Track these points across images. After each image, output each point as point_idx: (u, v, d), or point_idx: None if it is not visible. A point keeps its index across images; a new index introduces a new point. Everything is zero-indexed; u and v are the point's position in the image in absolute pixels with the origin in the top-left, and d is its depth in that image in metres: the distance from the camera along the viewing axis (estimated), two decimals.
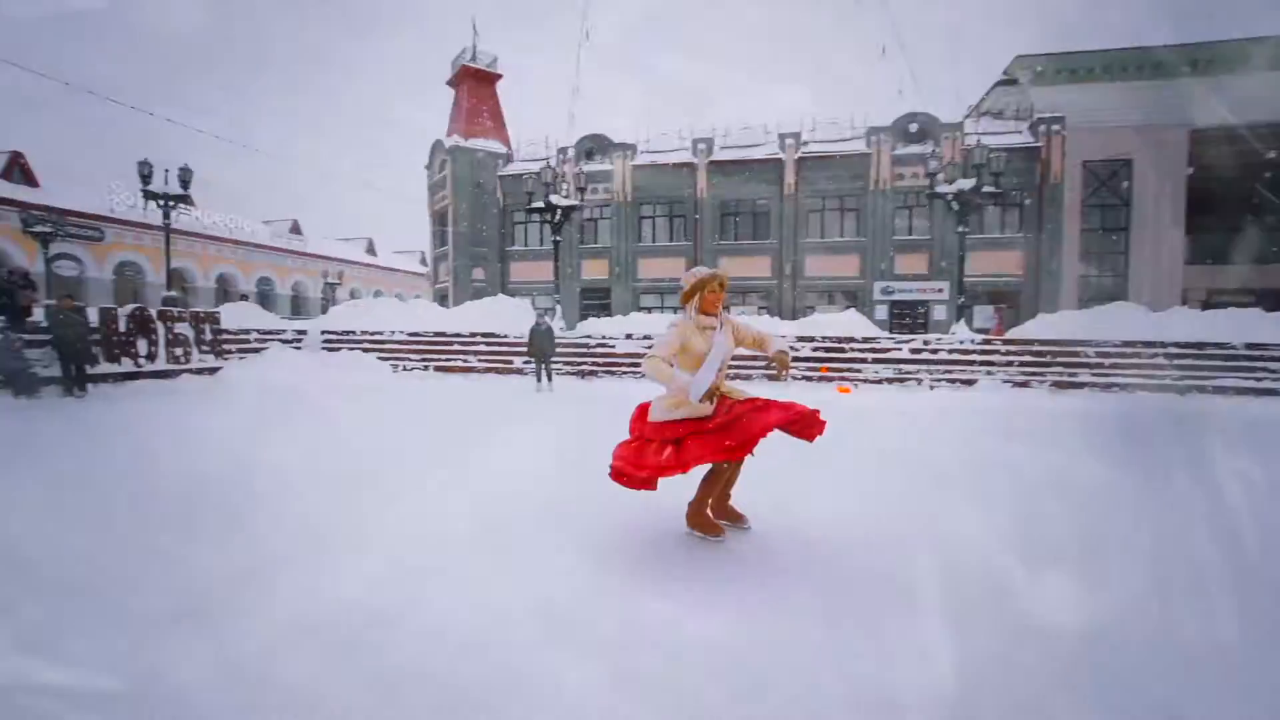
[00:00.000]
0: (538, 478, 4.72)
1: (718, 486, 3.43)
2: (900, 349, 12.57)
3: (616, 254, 25.32)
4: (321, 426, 7.69)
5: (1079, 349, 11.68)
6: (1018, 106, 23.17)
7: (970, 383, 11.91)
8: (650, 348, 3.15)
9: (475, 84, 27.33)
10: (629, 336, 13.85)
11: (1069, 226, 21.71)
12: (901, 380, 12.32)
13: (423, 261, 43.46)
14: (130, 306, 12.00)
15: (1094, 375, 11.50)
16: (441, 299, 27.21)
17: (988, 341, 12.65)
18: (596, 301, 25.68)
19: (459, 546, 3.28)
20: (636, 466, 3.12)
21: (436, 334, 14.79)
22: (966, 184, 13.92)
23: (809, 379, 12.61)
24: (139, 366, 11.70)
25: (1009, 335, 13.41)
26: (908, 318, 23.16)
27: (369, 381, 12.81)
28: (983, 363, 12.09)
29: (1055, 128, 21.55)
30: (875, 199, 23.01)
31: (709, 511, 3.47)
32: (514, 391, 11.99)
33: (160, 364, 12.02)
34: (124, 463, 5.54)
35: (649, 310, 24.21)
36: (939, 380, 12.14)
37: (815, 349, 12.94)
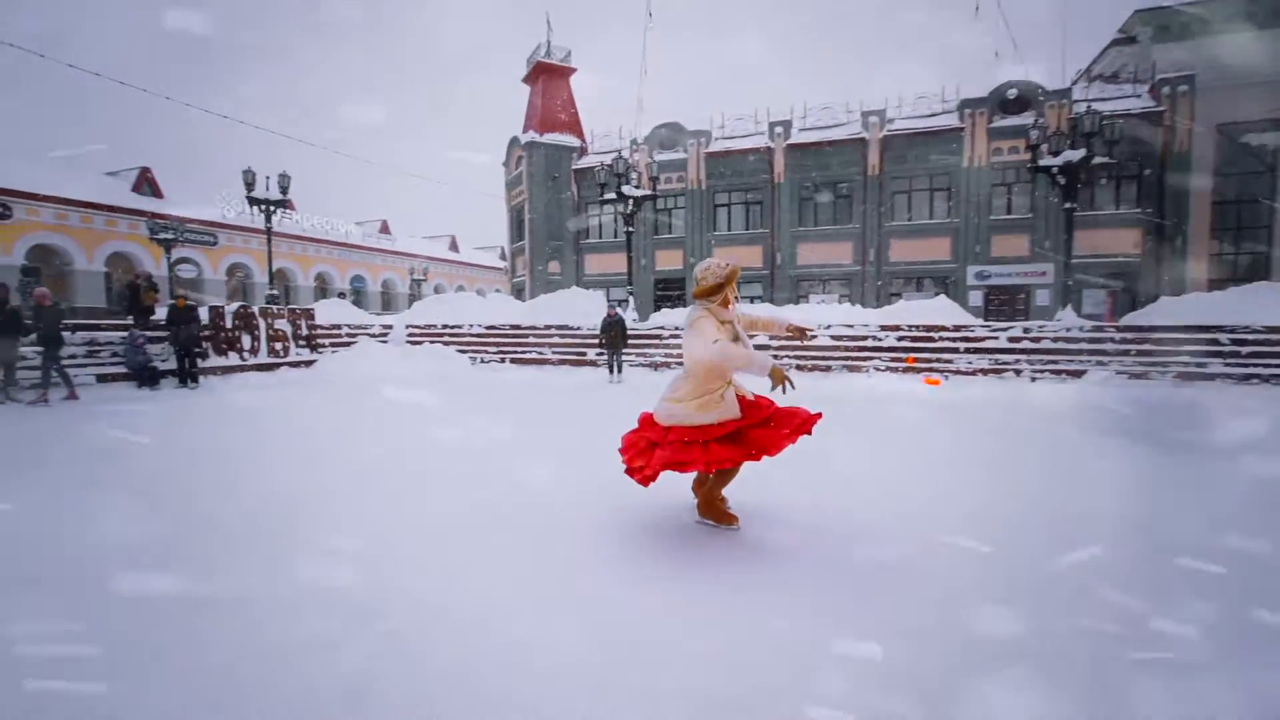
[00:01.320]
0: (589, 470, 4.57)
1: (724, 481, 3.41)
2: (997, 338, 11.61)
3: (690, 243, 24.97)
4: (401, 417, 7.92)
5: (1211, 335, 10.35)
6: (1136, 67, 20.88)
7: (1078, 374, 10.83)
8: (693, 339, 3.08)
9: (549, 79, 27.62)
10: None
11: (1197, 199, 19.37)
12: (998, 371, 11.37)
13: (502, 256, 44.72)
14: (235, 305, 12.93)
15: (1228, 365, 10.16)
16: (518, 292, 27.83)
17: (1098, 329, 11.46)
18: (670, 292, 25.47)
19: (495, 531, 3.30)
20: (681, 463, 3.12)
21: (512, 327, 15.06)
22: (1075, 155, 12.65)
23: (893, 370, 11.88)
24: (243, 360, 12.59)
25: (1124, 321, 12.10)
26: (1005, 304, 21.51)
27: (448, 373, 13.21)
28: (1092, 352, 10.96)
29: (1182, 88, 19.26)
30: (969, 177, 21.44)
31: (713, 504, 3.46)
32: (585, 383, 12.00)
33: (262, 357, 12.89)
34: (242, 442, 5.91)
35: None
36: (1041, 371, 11.12)
37: (901, 339, 12.17)
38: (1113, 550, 3.13)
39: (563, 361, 14.30)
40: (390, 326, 15.91)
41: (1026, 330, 11.54)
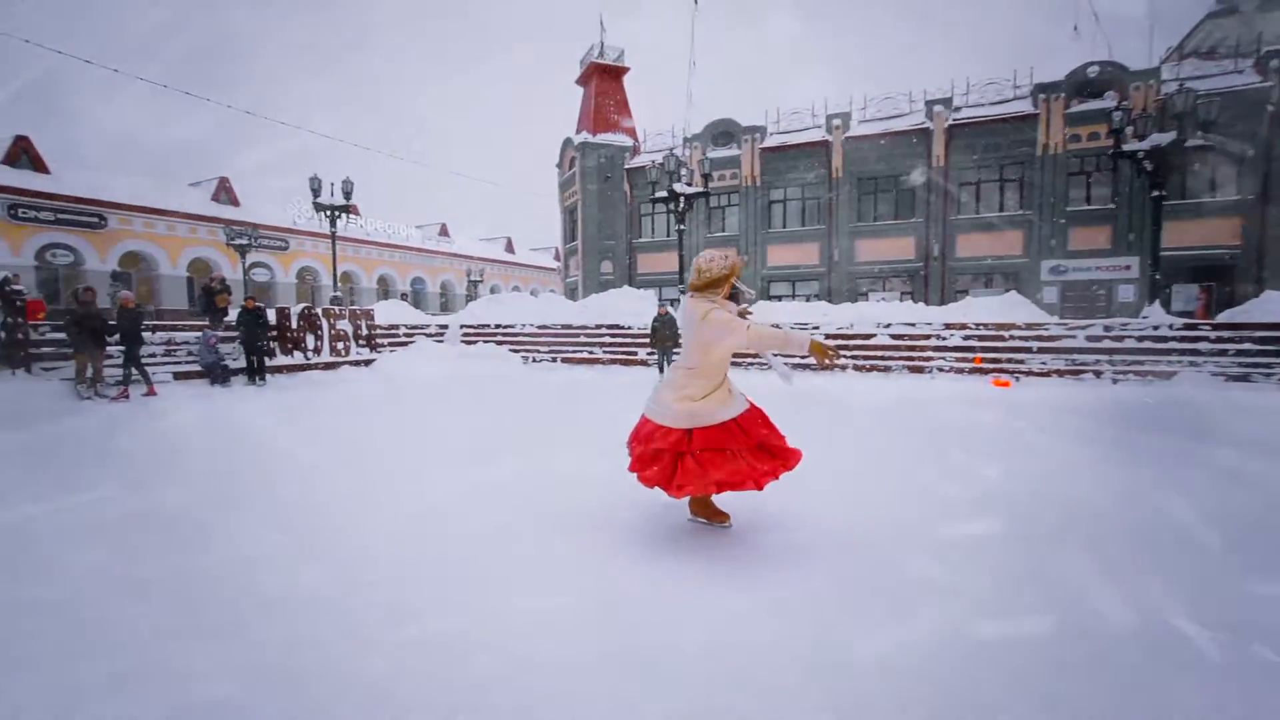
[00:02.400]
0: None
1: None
2: (1074, 336, 10.82)
3: (744, 241, 24.52)
4: (453, 415, 8.00)
5: None
6: (1238, 40, 19.16)
7: (1167, 375, 9.95)
8: (720, 331, 2.97)
9: (602, 79, 27.70)
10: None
11: None
12: (1076, 373, 10.59)
13: (556, 257, 45.26)
14: (300, 306, 13.45)
15: None
16: (571, 292, 28.03)
17: (1191, 326, 10.51)
18: None
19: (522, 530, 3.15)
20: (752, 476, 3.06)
21: (564, 326, 15.11)
22: (1164, 139, 11.66)
23: (959, 371, 11.25)
24: (308, 359, 13.07)
25: (1221, 318, 11.06)
26: (1083, 301, 20.15)
27: (500, 372, 13.36)
28: (1184, 351, 10.06)
29: None
30: (1043, 166, 20.20)
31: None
32: (635, 383, 11.88)
33: (325, 356, 13.36)
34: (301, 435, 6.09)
35: (778, 299, 23.25)
36: (1124, 373, 10.28)
37: (967, 338, 11.52)
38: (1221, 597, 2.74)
39: (613, 361, 14.23)
40: (446, 326, 16.25)
41: (1108, 328, 10.71)
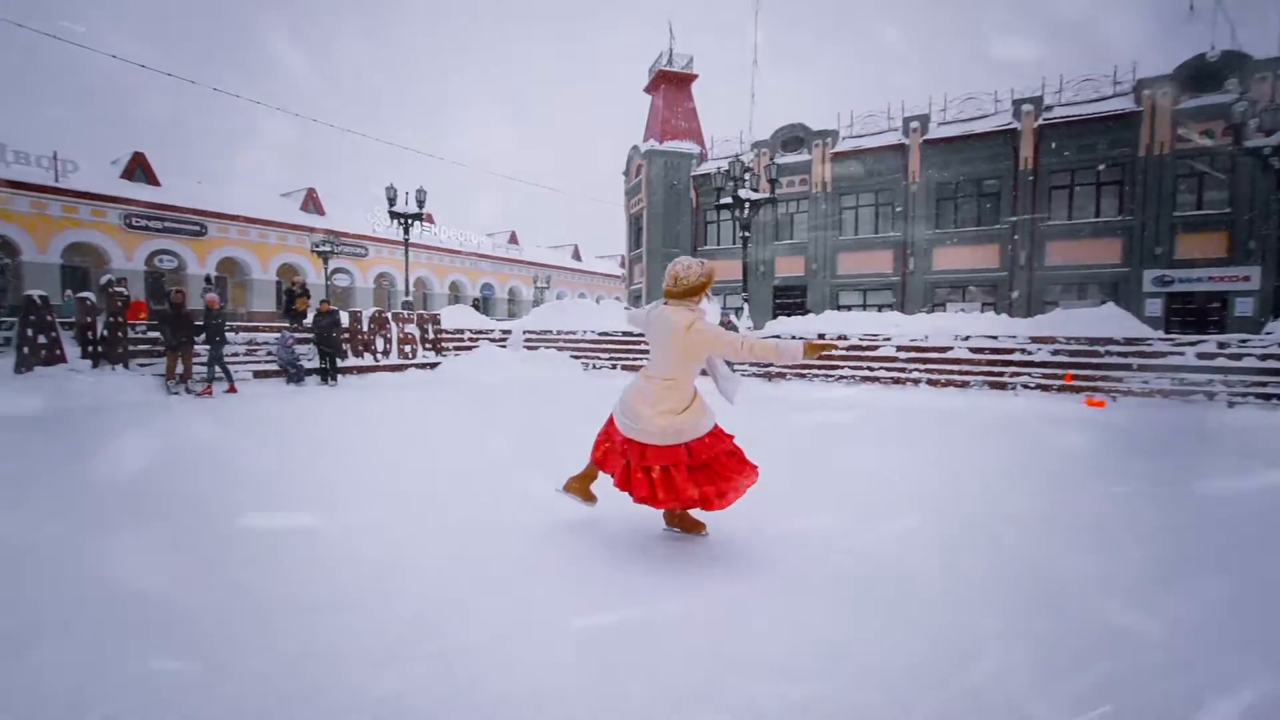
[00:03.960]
0: None
1: None
2: (1182, 353, 9.74)
3: (814, 249, 23.80)
4: (511, 417, 7.99)
5: None
6: None
7: None
8: (710, 342, 2.96)
9: (671, 86, 27.65)
10: (821, 337, 12.69)
11: None
12: (1183, 393, 9.52)
13: (621, 264, 45.53)
14: (372, 309, 13.95)
15: None
16: (636, 299, 28.01)
17: None
18: (790, 300, 24.41)
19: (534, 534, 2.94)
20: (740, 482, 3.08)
21: (624, 334, 15.01)
22: None
23: (1045, 389, 10.35)
24: (377, 361, 13.52)
25: None
26: (1193, 314, 18.33)
27: (561, 378, 13.40)
28: None
29: None
30: (1147, 167, 18.56)
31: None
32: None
33: (393, 359, 13.78)
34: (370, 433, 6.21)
35: (848, 308, 22.39)
36: (1242, 395, 9.15)
37: (1056, 352, 10.60)
38: None
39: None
40: (509, 332, 16.48)
41: (1223, 345, 9.58)
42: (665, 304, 3.07)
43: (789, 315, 17.16)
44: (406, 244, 17.68)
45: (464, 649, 2.20)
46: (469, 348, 15.35)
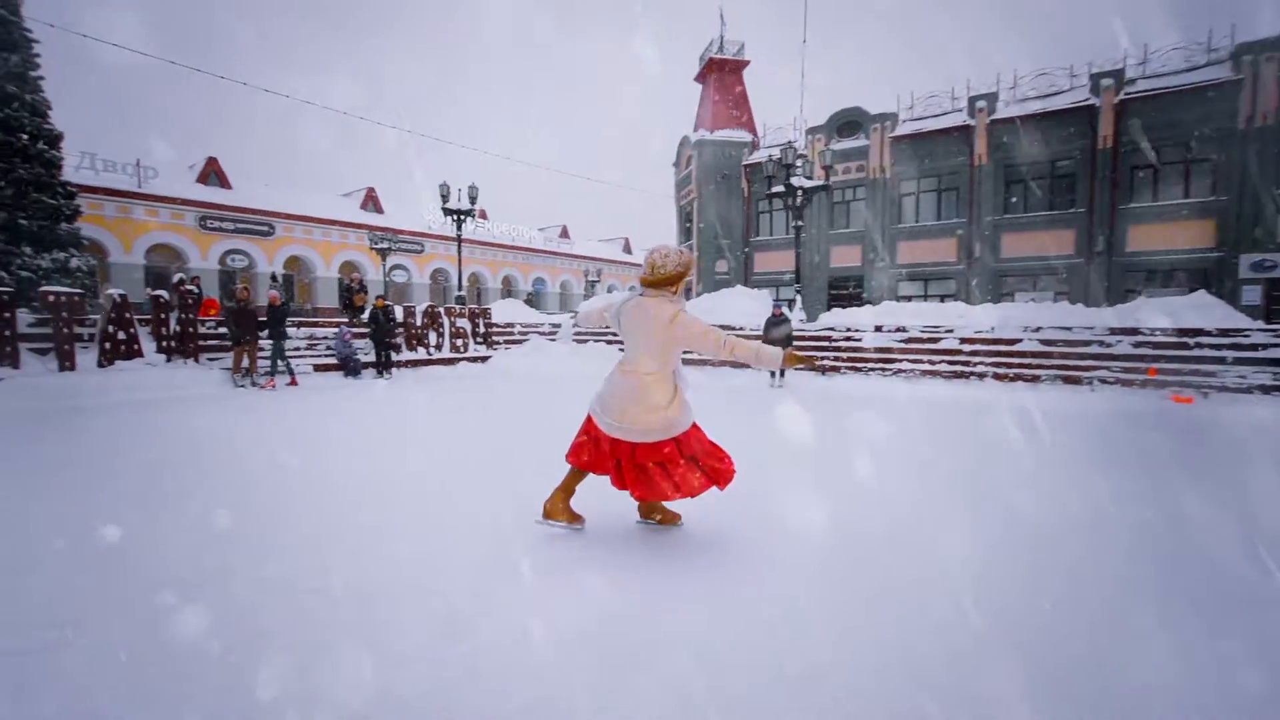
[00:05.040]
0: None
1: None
2: None
3: (871, 237, 22.93)
4: (558, 411, 7.96)
5: None
6: None
7: None
8: (696, 337, 2.87)
9: (721, 75, 27.11)
10: (879, 329, 12.18)
11: None
12: None
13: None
14: (425, 304, 14.24)
15: None
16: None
17: None
18: (846, 291, 23.63)
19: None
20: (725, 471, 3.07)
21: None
22: None
23: (1126, 384, 9.60)
24: (429, 354, 13.80)
25: None
26: None
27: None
28: None
29: None
30: (1246, 142, 16.97)
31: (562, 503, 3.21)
32: (743, 386, 11.36)
33: (445, 352, 14.03)
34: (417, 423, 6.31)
35: (908, 299, 21.50)
36: None
37: (1138, 344, 9.82)
38: None
39: (723, 363, 13.73)
40: (559, 325, 16.55)
41: None
42: (642, 294, 2.96)
43: (844, 307, 16.60)
44: (459, 240, 17.96)
45: (492, 650, 2.12)
46: (519, 341, 15.49)
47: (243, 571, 2.78)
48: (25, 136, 11.61)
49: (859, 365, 12.10)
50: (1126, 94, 18.44)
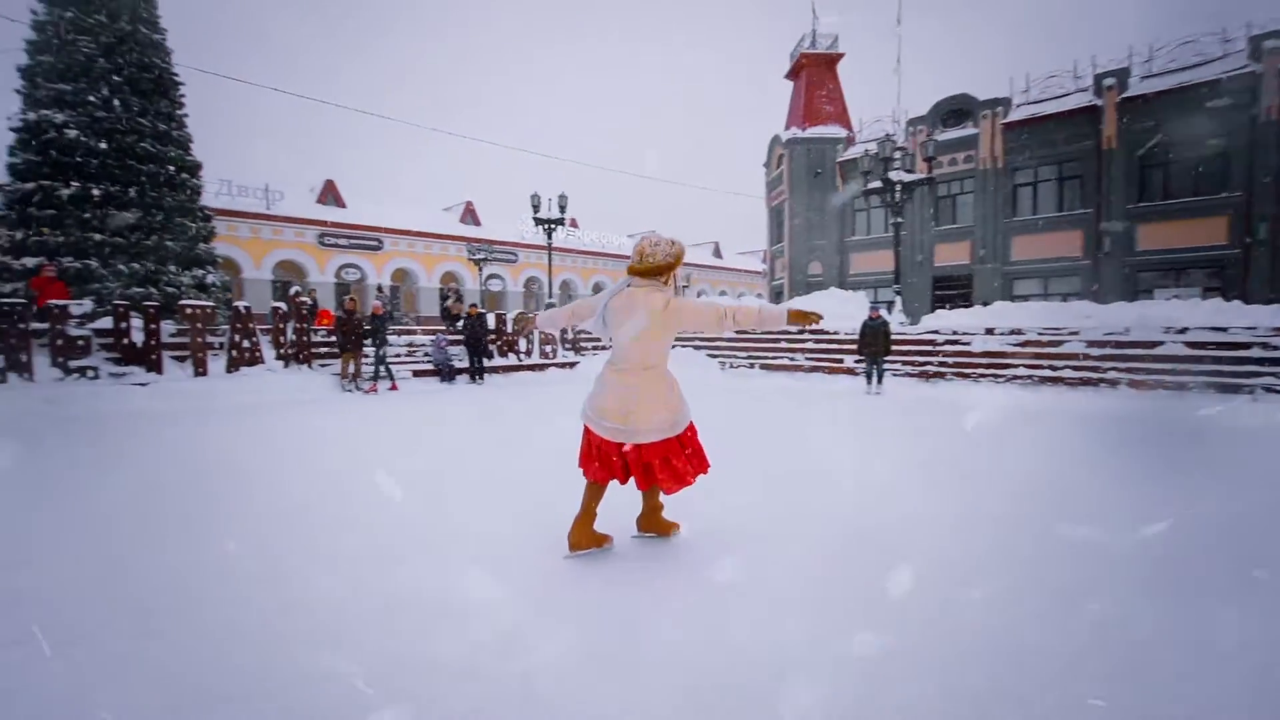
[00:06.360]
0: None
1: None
2: None
3: (981, 233, 21.28)
4: None
5: None
6: None
7: None
8: (698, 318, 2.83)
9: (814, 70, 26.20)
10: (990, 332, 11.16)
11: None
12: None
13: (763, 260, 44.23)
14: (515, 311, 14.61)
15: None
16: (777, 296, 26.95)
17: None
18: (953, 291, 22.01)
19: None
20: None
21: (763, 331, 14.35)
22: None
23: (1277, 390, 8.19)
24: (520, 361, 14.12)
25: None
26: None
27: (696, 377, 13.05)
28: None
29: None
30: None
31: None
32: (838, 392, 10.81)
33: (534, 359, 14.32)
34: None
35: (1024, 298, 19.71)
36: None
37: None
38: None
39: (815, 368, 13.12)
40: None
41: None
42: (629, 285, 2.86)
43: (950, 308, 15.43)
44: (550, 248, 18.36)
45: (548, 669, 2.00)
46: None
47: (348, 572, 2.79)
48: (172, 168, 12.98)
49: (966, 371, 11.14)
50: None
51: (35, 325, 9.04)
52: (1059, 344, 10.33)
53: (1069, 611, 2.40)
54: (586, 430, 2.99)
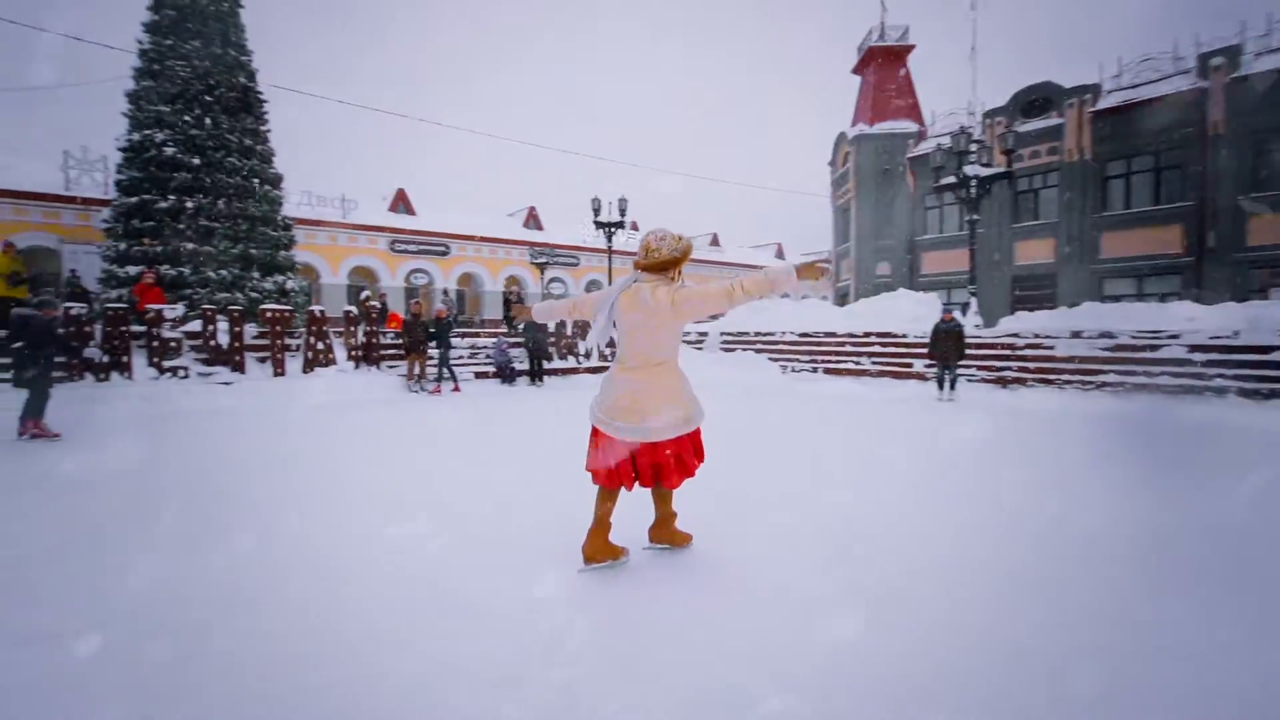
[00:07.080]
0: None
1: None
2: None
3: (1066, 229, 19.92)
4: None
5: None
6: None
7: None
8: (703, 304, 2.73)
9: (882, 63, 25.25)
10: (1076, 335, 10.37)
11: None
12: None
13: (827, 261, 42.97)
14: (576, 316, 14.72)
15: None
16: (842, 298, 26.12)
17: None
18: (1035, 291, 20.67)
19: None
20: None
21: (826, 334, 13.89)
22: None
23: None
24: (579, 363, 14.21)
25: None
26: None
27: (756, 381, 12.84)
28: None
29: None
30: None
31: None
32: (906, 398, 10.32)
33: (594, 361, 14.36)
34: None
35: (1116, 299, 18.29)
36: None
37: None
38: None
39: (883, 373, 12.57)
40: (705, 333, 16.28)
41: None
42: (636, 281, 2.80)
43: (1031, 310, 14.48)
44: (610, 251, 18.42)
45: (593, 680, 1.95)
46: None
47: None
48: (256, 181, 13.80)
49: (1050, 377, 10.39)
50: None
51: (135, 328, 9.78)
52: (1156, 348, 9.48)
53: None
54: (595, 432, 2.91)
